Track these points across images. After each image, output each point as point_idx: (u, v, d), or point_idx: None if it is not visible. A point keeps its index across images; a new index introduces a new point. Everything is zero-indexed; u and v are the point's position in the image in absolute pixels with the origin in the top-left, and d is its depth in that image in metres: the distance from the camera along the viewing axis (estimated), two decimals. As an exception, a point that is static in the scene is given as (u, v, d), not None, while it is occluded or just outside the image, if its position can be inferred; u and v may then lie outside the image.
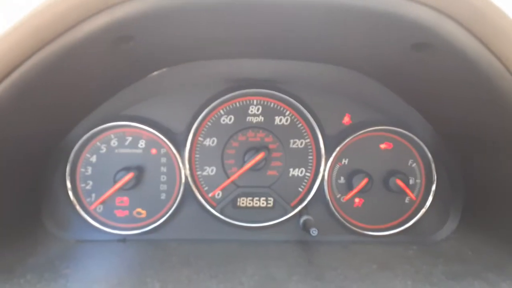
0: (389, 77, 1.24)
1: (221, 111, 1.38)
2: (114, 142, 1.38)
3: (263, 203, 1.42)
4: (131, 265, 1.16)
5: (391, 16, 0.78)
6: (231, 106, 1.39)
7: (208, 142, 1.40)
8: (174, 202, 1.39)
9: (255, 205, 1.42)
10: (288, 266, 1.17)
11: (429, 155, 1.39)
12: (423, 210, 1.41)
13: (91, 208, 1.38)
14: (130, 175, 1.33)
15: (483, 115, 1.04)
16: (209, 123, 1.39)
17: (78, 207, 1.37)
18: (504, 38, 0.77)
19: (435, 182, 1.40)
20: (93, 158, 1.38)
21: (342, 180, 1.43)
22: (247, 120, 1.39)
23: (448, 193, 1.42)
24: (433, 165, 1.40)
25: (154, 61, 1.19)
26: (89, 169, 1.38)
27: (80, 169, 1.38)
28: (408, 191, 1.38)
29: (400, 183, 1.37)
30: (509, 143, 1.02)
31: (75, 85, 1.05)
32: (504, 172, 1.14)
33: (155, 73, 1.24)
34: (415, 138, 1.38)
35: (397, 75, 1.18)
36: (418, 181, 1.44)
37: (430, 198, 1.41)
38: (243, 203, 1.42)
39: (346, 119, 1.41)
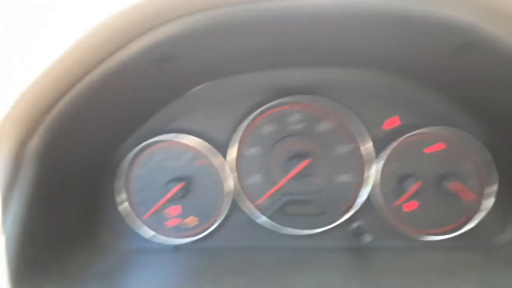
0: (435, 78, 1.18)
1: (263, 120, 1.39)
2: (162, 155, 1.42)
3: (311, 210, 1.40)
4: (186, 273, 1.18)
5: (432, 20, 0.75)
6: (272, 115, 1.38)
7: (252, 151, 1.40)
8: (222, 211, 1.40)
9: (303, 212, 1.40)
10: (343, 273, 1.14)
11: (488, 153, 1.31)
12: (483, 213, 1.33)
13: (142, 218, 1.43)
14: (179, 186, 1.36)
15: None
16: (251, 132, 1.39)
17: (130, 218, 1.41)
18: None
19: (497, 182, 1.31)
20: (144, 171, 1.42)
21: (393, 184, 1.38)
22: (289, 127, 1.38)
23: (510, 193, 1.33)
24: (493, 165, 1.31)
25: (196, 77, 1.22)
26: (140, 182, 1.43)
27: (132, 182, 1.43)
28: (466, 191, 1.30)
29: (456, 185, 1.30)
30: None
31: (124, 102, 1.10)
32: None
33: (196, 88, 1.27)
34: (471, 136, 1.30)
35: (444, 77, 1.13)
36: (474, 182, 1.35)
37: (492, 199, 1.32)
38: (291, 210, 1.41)
39: (394, 121, 1.36)
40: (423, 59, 1.05)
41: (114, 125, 1.23)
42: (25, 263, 0.96)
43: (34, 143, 0.92)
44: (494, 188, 1.32)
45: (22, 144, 0.91)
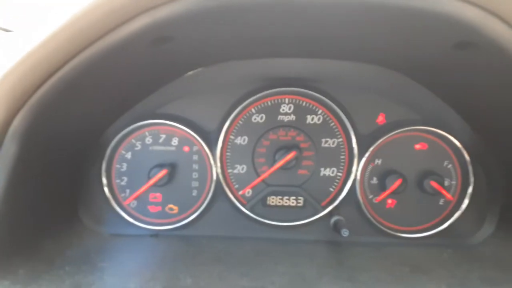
0: (428, 76, 1.20)
1: (253, 110, 1.39)
2: (148, 140, 1.41)
3: (293, 202, 1.42)
4: (164, 260, 1.18)
5: (435, 15, 0.76)
6: (262, 105, 1.39)
7: (239, 140, 1.41)
8: (205, 199, 1.41)
9: (285, 204, 1.42)
10: (318, 266, 1.16)
11: (466, 156, 1.35)
12: (458, 212, 1.37)
13: (125, 203, 1.42)
14: (163, 172, 1.36)
15: None
16: (240, 122, 1.39)
17: (113, 202, 1.41)
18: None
19: (472, 184, 1.36)
20: (128, 155, 1.41)
21: (374, 180, 1.41)
22: (279, 118, 1.39)
23: (485, 195, 1.37)
24: (470, 167, 1.35)
25: (190, 61, 1.21)
26: (124, 166, 1.42)
27: (116, 166, 1.42)
28: (444, 191, 1.34)
29: (435, 184, 1.33)
30: None
31: (115, 83, 1.08)
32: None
33: (191, 72, 1.25)
34: (452, 138, 1.34)
35: (437, 73, 1.15)
36: (453, 182, 1.39)
37: (467, 200, 1.36)
38: (273, 202, 1.42)
39: (380, 118, 1.38)
40: (419, 55, 1.06)
41: (102, 107, 1.21)
42: (0, 245, 0.95)
43: (18, 122, 0.90)
44: (470, 189, 1.36)
45: (5, 122, 0.89)
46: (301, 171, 1.41)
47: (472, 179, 1.35)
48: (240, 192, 1.42)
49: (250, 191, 1.42)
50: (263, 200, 1.42)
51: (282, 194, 1.42)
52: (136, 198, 1.42)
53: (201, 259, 1.19)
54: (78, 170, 1.37)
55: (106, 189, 1.40)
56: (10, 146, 0.91)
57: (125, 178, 1.42)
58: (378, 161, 1.40)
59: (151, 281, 1.01)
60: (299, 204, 1.42)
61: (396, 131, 1.34)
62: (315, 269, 1.13)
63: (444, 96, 1.29)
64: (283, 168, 1.37)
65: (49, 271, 1.02)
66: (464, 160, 1.35)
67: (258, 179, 1.39)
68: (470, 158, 1.35)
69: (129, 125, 1.35)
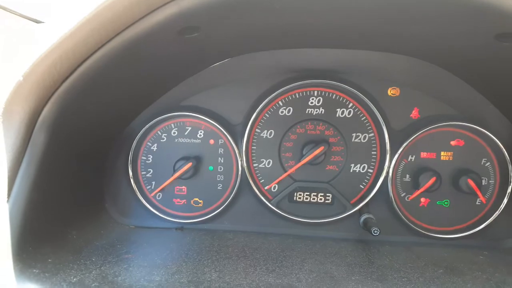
0: (467, 69, 1.14)
1: (280, 102, 1.35)
2: (174, 132, 1.40)
3: (321, 199, 1.38)
4: (189, 253, 1.17)
5: (475, 4, 0.71)
6: (290, 98, 1.35)
7: (265, 134, 1.38)
8: (230, 193, 1.39)
9: (312, 200, 1.38)
10: (347, 265, 1.12)
11: (506, 154, 1.27)
12: (496, 213, 1.30)
13: (151, 195, 1.42)
14: (188, 165, 1.34)
15: None
16: (267, 115, 1.36)
17: (138, 194, 1.41)
18: None
19: (511, 184, 1.28)
20: (154, 147, 1.41)
21: (407, 178, 1.35)
22: (307, 112, 1.35)
23: None
24: (510, 166, 1.27)
25: (217, 52, 1.18)
26: (150, 158, 1.41)
27: (142, 157, 1.41)
28: (479, 192, 1.27)
29: (471, 183, 1.27)
30: None
31: (141, 74, 1.07)
32: None
33: (217, 63, 1.23)
34: (491, 135, 1.26)
35: (476, 66, 1.08)
36: (491, 181, 1.32)
37: (505, 200, 1.29)
38: (300, 198, 1.39)
39: (414, 113, 1.32)
40: (458, 46, 1.00)
41: (128, 98, 1.20)
42: (29, 234, 0.95)
43: (46, 112, 0.90)
44: (509, 189, 1.29)
45: (34, 112, 0.89)
46: (330, 167, 1.37)
47: None
48: (266, 187, 1.39)
49: (276, 186, 1.39)
50: (290, 196, 1.39)
51: (310, 190, 1.38)
52: (162, 191, 1.41)
53: (226, 254, 1.17)
54: (105, 161, 1.38)
55: (132, 181, 1.40)
56: (39, 136, 0.91)
57: (151, 170, 1.42)
58: (411, 158, 1.34)
59: (177, 274, 0.99)
60: (327, 201, 1.38)
61: (431, 127, 1.28)
62: (344, 267, 1.10)
63: (484, 90, 1.22)
64: (311, 163, 1.33)
65: (76, 261, 1.03)
66: (503, 158, 1.28)
67: (285, 174, 1.36)
68: (510, 156, 1.27)
69: (155, 117, 1.34)
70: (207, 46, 1.07)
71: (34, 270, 0.93)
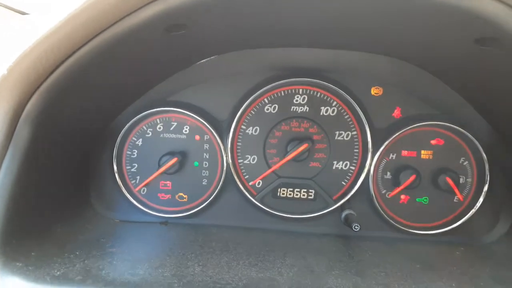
0: (448, 71, 1.17)
1: (265, 100, 1.37)
2: (160, 127, 1.40)
3: (304, 195, 1.40)
4: (173, 247, 1.18)
5: (455, 9, 0.74)
6: (275, 95, 1.37)
7: (251, 130, 1.39)
8: (215, 189, 1.40)
9: (295, 196, 1.41)
10: (328, 259, 1.15)
11: (483, 153, 1.31)
12: (472, 211, 1.34)
13: (135, 190, 1.43)
14: (174, 160, 1.35)
15: None
16: (252, 112, 1.38)
17: (123, 188, 1.41)
18: None
19: (487, 183, 1.32)
20: (139, 142, 1.41)
21: (388, 175, 1.38)
22: (292, 109, 1.37)
23: (501, 194, 1.34)
24: (486, 165, 1.32)
25: (204, 49, 1.19)
26: (135, 152, 1.42)
27: (127, 152, 1.42)
28: (456, 190, 1.31)
29: (449, 181, 1.31)
30: None
31: (127, 70, 1.07)
32: None
33: (204, 60, 1.24)
34: (469, 135, 1.30)
35: (457, 69, 1.11)
36: (469, 180, 1.36)
37: (481, 199, 1.33)
38: (283, 194, 1.41)
39: (396, 112, 1.35)
40: (439, 49, 1.03)
41: (115, 93, 1.21)
42: (12, 227, 0.95)
43: (31, 105, 0.90)
44: (485, 188, 1.33)
45: (18, 106, 0.89)
46: (313, 164, 1.39)
47: (488, 178, 1.32)
48: (251, 183, 1.41)
49: (261, 182, 1.41)
50: (274, 192, 1.41)
51: (293, 186, 1.40)
52: (147, 185, 1.42)
53: (210, 248, 1.19)
54: (90, 156, 1.38)
55: (116, 176, 1.40)
56: (23, 130, 0.91)
57: (136, 165, 1.42)
58: (392, 156, 1.37)
59: (160, 268, 1.01)
60: (310, 197, 1.40)
61: (412, 126, 1.31)
62: (324, 262, 1.12)
63: (463, 92, 1.26)
64: (295, 160, 1.35)
65: (60, 255, 1.03)
66: (481, 158, 1.32)
67: (269, 171, 1.38)
68: (487, 156, 1.31)
69: (141, 112, 1.35)
70: (194, 43, 1.08)
71: (18, 264, 0.93)
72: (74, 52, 0.85)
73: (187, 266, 1.03)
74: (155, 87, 1.32)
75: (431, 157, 1.36)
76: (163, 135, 1.41)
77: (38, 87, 0.88)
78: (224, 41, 1.15)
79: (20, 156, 0.92)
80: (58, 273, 0.93)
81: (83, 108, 1.10)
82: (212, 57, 1.25)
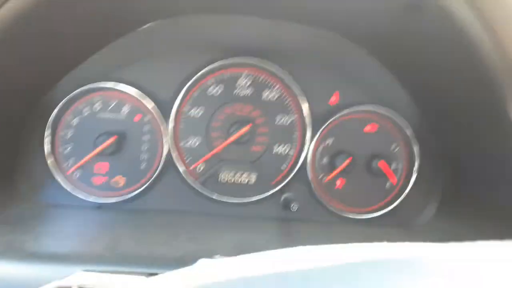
0: (376, 42, 1.21)
1: (209, 81, 1.37)
2: (97, 106, 1.34)
3: (244, 180, 1.41)
4: (106, 226, 1.13)
5: None
6: (219, 77, 1.37)
7: (193, 112, 1.38)
8: (154, 172, 1.36)
9: (236, 180, 1.41)
10: (265, 238, 1.16)
11: (412, 139, 1.39)
12: (403, 195, 1.42)
13: (67, 173, 1.34)
14: (111, 140, 1.30)
15: (464, 89, 1.05)
16: (196, 93, 1.37)
17: (54, 171, 1.32)
18: (500, 11, 0.79)
19: (417, 167, 1.41)
20: (74, 121, 1.34)
21: (325, 160, 1.43)
22: (235, 93, 1.38)
23: (430, 179, 1.42)
24: (415, 151, 1.40)
25: (145, 12, 1.14)
26: (69, 133, 1.34)
27: (60, 132, 1.34)
28: (389, 174, 1.38)
29: (382, 166, 1.38)
30: (491, 124, 1.03)
31: (59, 33, 1.01)
32: (486, 154, 1.15)
33: (145, 26, 1.18)
34: (399, 121, 1.38)
35: (384, 39, 1.15)
36: (400, 165, 1.44)
37: (411, 183, 1.41)
38: (224, 178, 1.40)
39: (334, 98, 1.41)
40: (369, 19, 1.07)
41: (45, 61, 1.13)
42: None
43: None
44: (414, 173, 1.41)
45: None
46: (255, 148, 1.40)
47: (417, 163, 1.41)
48: (192, 166, 1.39)
49: (202, 165, 1.40)
50: (215, 176, 1.40)
51: (235, 169, 1.40)
52: (81, 168, 1.34)
53: (146, 228, 1.15)
54: (18, 134, 1.28)
55: (47, 156, 1.31)
56: None
57: (70, 146, 1.35)
58: (329, 141, 1.42)
59: (91, 242, 0.95)
60: (250, 182, 1.41)
61: (347, 111, 1.37)
62: (262, 240, 1.13)
63: (392, 65, 1.31)
64: (237, 142, 1.36)
65: None
66: (410, 144, 1.41)
67: (211, 153, 1.37)
68: (416, 141, 1.40)
69: (76, 88, 1.28)
70: (133, 3, 1.04)
71: None
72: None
73: (120, 241, 0.99)
74: (93, 60, 1.25)
75: (365, 142, 1.42)
76: (100, 115, 1.35)
77: None
78: (166, 3, 1.11)
79: None
80: None
81: (10, 80, 1.02)
82: (150, 24, 1.20)
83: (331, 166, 1.41)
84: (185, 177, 1.37)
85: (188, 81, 1.32)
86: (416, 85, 1.31)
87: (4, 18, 0.80)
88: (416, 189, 1.42)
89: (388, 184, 1.44)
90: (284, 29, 1.22)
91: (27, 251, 0.87)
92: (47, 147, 1.31)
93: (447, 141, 1.35)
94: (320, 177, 1.43)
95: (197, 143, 1.39)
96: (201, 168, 1.40)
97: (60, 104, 1.29)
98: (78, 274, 0.59)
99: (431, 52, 1.04)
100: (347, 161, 1.37)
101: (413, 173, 1.41)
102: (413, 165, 1.40)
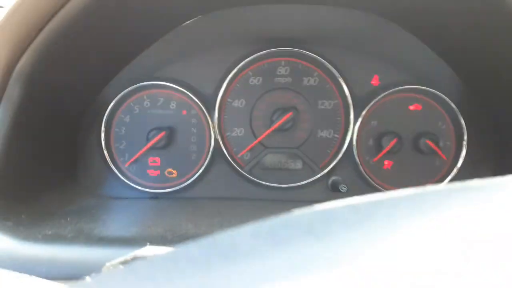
0: (421, 25, 1.19)
1: (249, 72, 1.41)
2: (146, 103, 1.42)
3: (291, 165, 1.44)
4: (164, 214, 1.20)
5: None
6: (259, 68, 1.41)
7: (237, 103, 1.42)
8: (204, 162, 1.42)
9: (283, 166, 1.44)
10: None
11: (460, 116, 1.36)
12: (454, 172, 1.39)
13: (125, 166, 1.43)
14: (161, 134, 1.37)
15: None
16: (237, 84, 1.41)
17: (112, 165, 1.42)
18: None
19: (465, 144, 1.37)
20: (127, 119, 1.42)
21: (371, 142, 1.43)
22: (275, 81, 1.41)
23: (479, 155, 1.39)
24: (464, 127, 1.37)
25: (189, 7, 1.19)
26: (123, 129, 1.43)
27: (115, 129, 1.43)
28: (438, 151, 1.36)
29: (430, 143, 1.36)
30: None
31: (113, 31, 1.08)
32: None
33: (186, 23, 1.23)
34: (445, 98, 1.36)
35: (427, 20, 1.14)
36: (448, 143, 1.41)
37: (461, 160, 1.38)
38: (271, 165, 1.44)
39: (375, 80, 1.40)
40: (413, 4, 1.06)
41: (97, 60, 1.21)
42: (0, 187, 0.95)
43: (22, 64, 0.91)
44: (464, 150, 1.38)
45: (9, 64, 0.90)
46: (299, 133, 1.43)
47: (465, 140, 1.37)
48: (239, 155, 1.44)
49: (248, 153, 1.44)
50: (261, 163, 1.44)
51: (281, 156, 1.43)
52: (136, 162, 1.43)
53: (202, 213, 1.21)
54: (77, 132, 1.38)
55: (105, 152, 1.40)
56: (14, 89, 0.92)
57: (124, 142, 1.43)
58: (374, 123, 1.42)
59: (153, 227, 1.02)
60: (297, 166, 1.43)
61: (390, 91, 1.36)
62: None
63: (436, 46, 1.28)
64: (280, 129, 1.39)
65: (50, 219, 1.03)
66: (458, 121, 1.37)
67: (256, 141, 1.41)
68: (464, 118, 1.37)
69: (127, 87, 1.36)
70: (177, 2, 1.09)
71: (8, 223, 0.93)
72: (58, 10, 0.87)
73: (179, 224, 1.04)
74: (140, 60, 1.31)
75: (410, 122, 1.41)
76: (150, 111, 1.42)
77: (29, 45, 0.90)
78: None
79: (11, 115, 0.93)
80: (50, 232, 0.93)
81: (71, 72, 1.11)
82: (193, 20, 1.23)
83: (378, 147, 1.41)
84: (233, 165, 1.42)
85: (229, 74, 1.37)
86: (462, 66, 1.28)
87: (67, 14, 0.87)
88: (467, 165, 1.38)
89: (438, 162, 1.42)
90: (322, 14, 1.24)
91: (97, 235, 0.95)
92: (103, 143, 1.41)
93: (495, 115, 1.31)
94: (367, 158, 1.43)
95: (242, 132, 1.43)
96: (248, 156, 1.44)
97: (113, 102, 1.38)
98: (147, 248, 0.64)
99: (475, 30, 1.02)
100: (393, 141, 1.36)
101: (463, 148, 1.37)
102: (462, 140, 1.37)
